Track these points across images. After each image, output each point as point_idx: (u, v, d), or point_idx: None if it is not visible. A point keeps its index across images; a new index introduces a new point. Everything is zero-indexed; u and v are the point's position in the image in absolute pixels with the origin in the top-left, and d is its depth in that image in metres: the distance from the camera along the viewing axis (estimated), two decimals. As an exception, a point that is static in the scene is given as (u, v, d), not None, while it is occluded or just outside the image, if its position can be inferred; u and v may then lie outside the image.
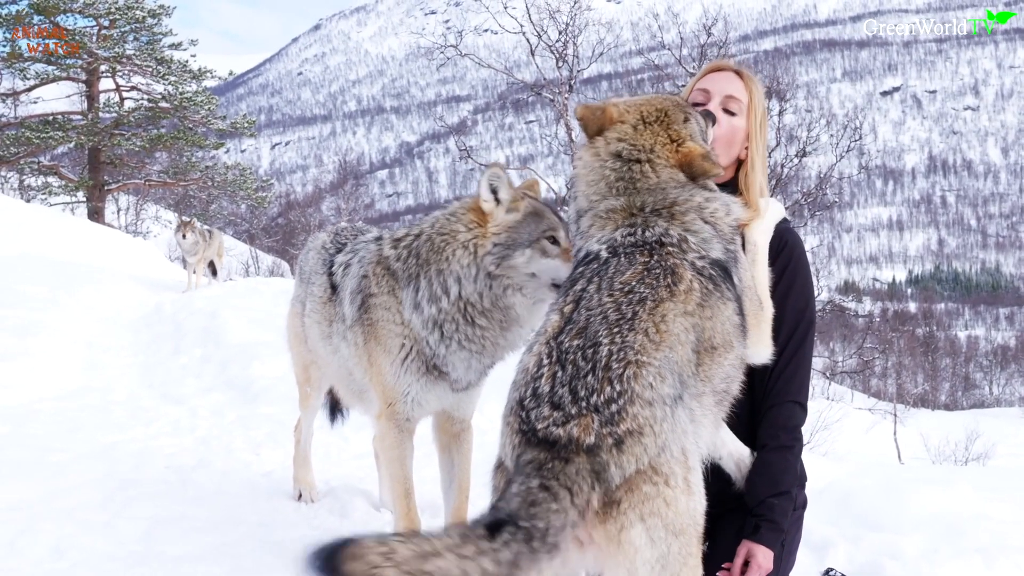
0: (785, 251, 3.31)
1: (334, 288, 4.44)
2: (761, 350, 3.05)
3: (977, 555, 4.38)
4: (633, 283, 2.61)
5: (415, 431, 4.24)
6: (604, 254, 2.77)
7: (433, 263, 3.85)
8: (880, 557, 4.42)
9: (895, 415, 32.34)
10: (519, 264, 3.70)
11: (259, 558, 4.36)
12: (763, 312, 3.06)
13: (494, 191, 3.76)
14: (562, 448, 2.33)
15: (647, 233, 2.77)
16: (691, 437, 2.51)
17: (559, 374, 2.45)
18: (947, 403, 68.83)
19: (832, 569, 4.17)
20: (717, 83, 3.38)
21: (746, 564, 3.12)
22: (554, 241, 3.69)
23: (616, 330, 2.49)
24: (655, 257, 2.69)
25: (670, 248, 2.72)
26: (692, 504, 2.44)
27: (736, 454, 3.16)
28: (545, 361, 2.51)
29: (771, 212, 3.28)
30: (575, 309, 2.61)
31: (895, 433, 29.54)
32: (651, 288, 2.59)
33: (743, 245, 3.07)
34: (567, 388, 2.42)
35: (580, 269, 2.79)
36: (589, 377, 2.41)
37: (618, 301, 2.56)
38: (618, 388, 2.38)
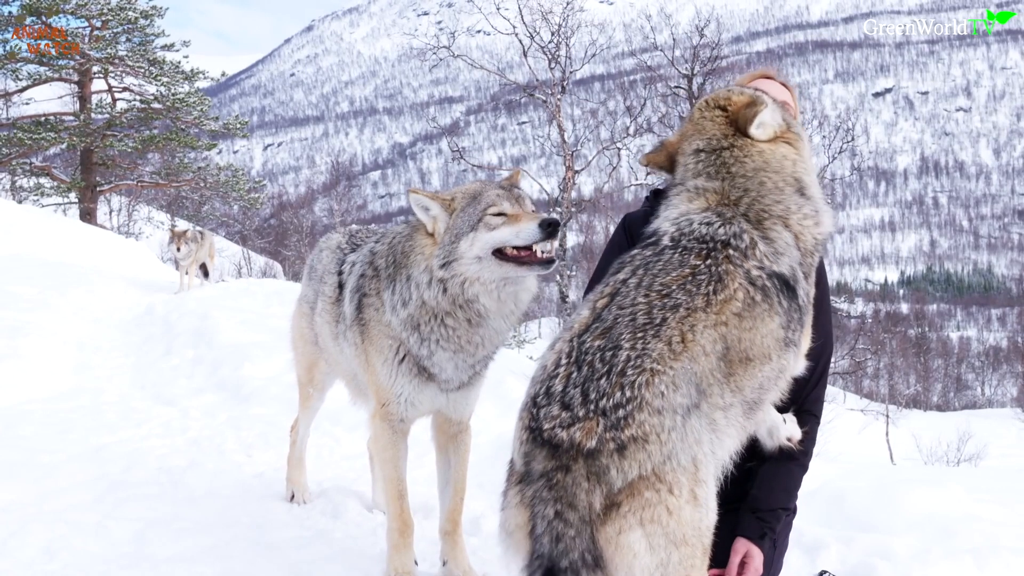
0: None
1: (342, 288, 4.44)
2: (801, 362, 2.97)
3: (968, 556, 4.38)
4: (674, 287, 2.59)
5: (409, 432, 4.24)
6: (665, 242, 2.73)
7: (403, 267, 3.92)
8: (872, 558, 4.42)
9: (887, 416, 32.51)
10: (464, 251, 3.71)
11: (251, 560, 4.34)
12: (808, 327, 3.00)
13: (426, 209, 3.85)
14: (563, 454, 2.35)
15: (721, 230, 2.72)
16: (706, 447, 2.48)
17: (574, 375, 2.46)
18: (939, 404, 68.98)
19: (824, 571, 4.17)
20: (771, 89, 3.30)
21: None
22: (499, 214, 3.70)
23: (640, 335, 2.48)
24: (708, 261, 2.64)
25: (731, 252, 2.67)
26: (697, 516, 2.41)
27: (769, 422, 3.09)
28: (563, 360, 2.51)
29: None
30: (608, 305, 2.59)
31: (887, 434, 29.68)
32: (689, 295, 2.57)
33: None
34: (579, 389, 2.42)
35: (636, 251, 2.76)
36: (603, 380, 2.41)
37: (651, 304, 2.55)
38: (628, 394, 2.38)
